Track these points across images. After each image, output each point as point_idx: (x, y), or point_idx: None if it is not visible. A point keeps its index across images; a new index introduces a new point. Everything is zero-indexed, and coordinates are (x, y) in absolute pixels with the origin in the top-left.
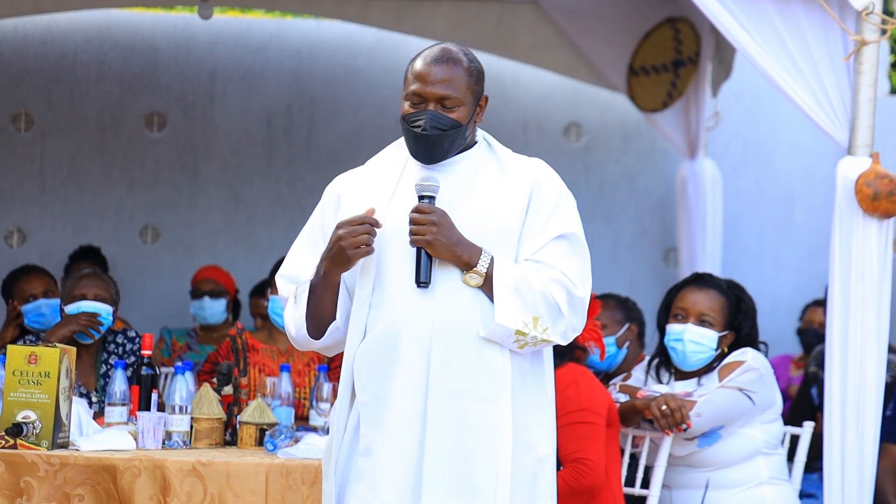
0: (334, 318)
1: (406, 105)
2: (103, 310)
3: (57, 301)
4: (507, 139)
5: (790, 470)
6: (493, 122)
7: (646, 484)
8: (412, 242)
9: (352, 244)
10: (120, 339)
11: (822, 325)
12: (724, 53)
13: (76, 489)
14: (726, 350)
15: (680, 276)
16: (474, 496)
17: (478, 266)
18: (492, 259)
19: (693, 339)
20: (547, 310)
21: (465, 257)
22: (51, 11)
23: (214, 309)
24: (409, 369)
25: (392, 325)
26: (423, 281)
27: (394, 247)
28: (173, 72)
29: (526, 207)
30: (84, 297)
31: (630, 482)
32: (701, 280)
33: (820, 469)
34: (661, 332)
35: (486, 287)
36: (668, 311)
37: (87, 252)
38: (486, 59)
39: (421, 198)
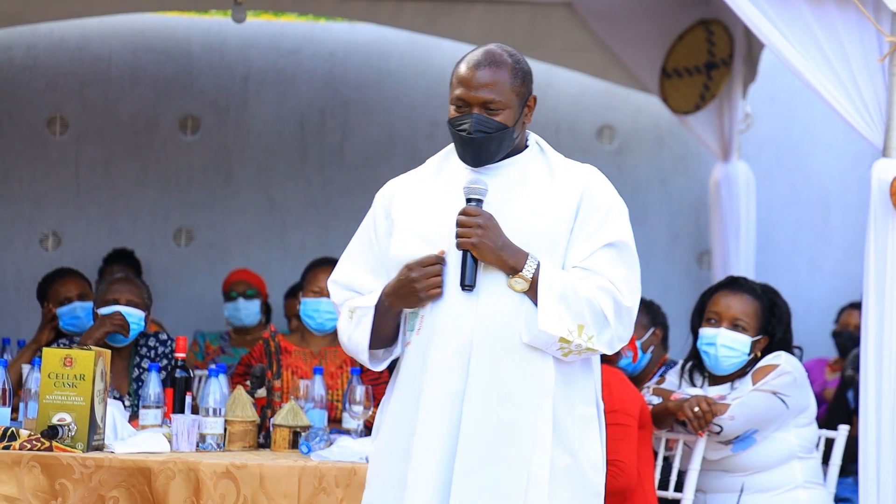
0: (392, 344)
1: (452, 109)
2: (135, 315)
3: (91, 304)
4: None
5: (825, 474)
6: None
7: (679, 488)
8: (458, 245)
9: (425, 287)
10: (152, 343)
11: (858, 328)
12: (751, 55)
13: (111, 491)
14: (759, 355)
15: (713, 278)
16: (502, 499)
17: (523, 271)
18: (538, 264)
19: (725, 344)
20: (593, 318)
21: (510, 261)
22: (86, 16)
23: (249, 309)
24: (448, 372)
25: (434, 329)
26: (467, 284)
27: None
28: (207, 75)
29: (575, 213)
30: (116, 302)
31: (664, 486)
32: (735, 284)
33: (855, 473)
34: (695, 335)
35: (532, 292)
36: (702, 314)
37: (121, 255)
38: None
39: (468, 200)
